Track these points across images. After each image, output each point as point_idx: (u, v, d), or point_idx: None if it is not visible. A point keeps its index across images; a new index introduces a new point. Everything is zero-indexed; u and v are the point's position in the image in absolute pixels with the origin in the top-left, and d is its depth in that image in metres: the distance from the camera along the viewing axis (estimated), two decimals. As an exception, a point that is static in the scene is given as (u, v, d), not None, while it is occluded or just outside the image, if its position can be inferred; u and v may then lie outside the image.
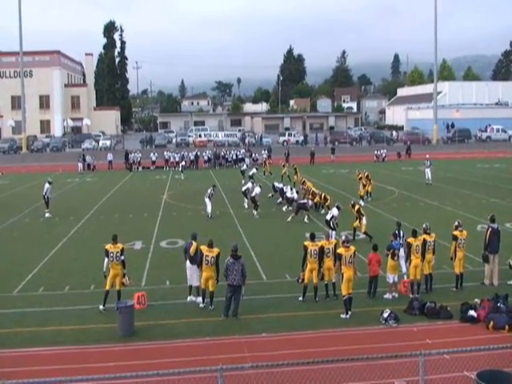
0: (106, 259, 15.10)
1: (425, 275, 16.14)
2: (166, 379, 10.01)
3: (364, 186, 31.40)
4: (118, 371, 10.47)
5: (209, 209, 27.76)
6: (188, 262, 15.77)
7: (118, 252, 15.06)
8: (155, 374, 8.46)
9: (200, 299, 15.33)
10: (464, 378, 10.40)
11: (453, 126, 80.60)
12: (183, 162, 49.82)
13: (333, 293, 15.66)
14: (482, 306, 14.19)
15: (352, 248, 14.89)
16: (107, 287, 15.08)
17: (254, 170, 37.96)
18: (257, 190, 28.51)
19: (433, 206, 29.74)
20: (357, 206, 22.77)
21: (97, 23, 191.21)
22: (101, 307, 15.08)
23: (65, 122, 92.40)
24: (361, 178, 31.67)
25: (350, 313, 14.53)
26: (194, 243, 15.75)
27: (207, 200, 27.78)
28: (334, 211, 22.07)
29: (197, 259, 15.44)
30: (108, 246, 15.20)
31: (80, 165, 52.40)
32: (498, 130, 77.07)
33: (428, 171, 38.31)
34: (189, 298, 15.70)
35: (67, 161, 59.93)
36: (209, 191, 28.05)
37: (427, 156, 40.56)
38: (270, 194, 32.14)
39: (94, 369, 11.24)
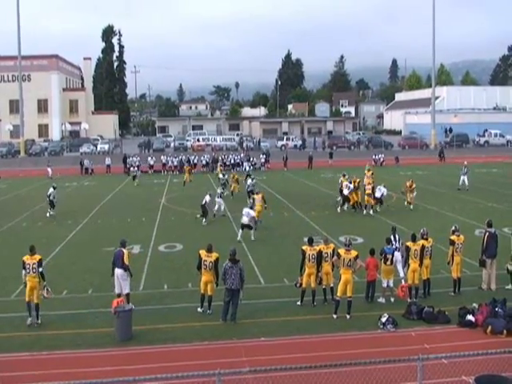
0: (24, 271, 14.50)
1: (423, 280, 16.18)
2: (164, 383, 10.01)
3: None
4: (116, 376, 10.46)
5: (222, 207, 28.89)
6: (120, 270, 15.32)
7: (34, 263, 14.44)
8: (153, 378, 8.46)
9: (132, 306, 14.61)
10: (462, 382, 10.41)
11: (451, 130, 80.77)
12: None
13: (331, 297, 15.65)
14: (480, 310, 14.19)
15: (353, 252, 14.89)
16: (27, 299, 14.50)
17: (221, 176, 37.80)
18: (206, 198, 27.51)
19: (431, 210, 29.79)
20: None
21: (95, 27, 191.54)
22: (28, 320, 14.48)
23: (63, 126, 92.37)
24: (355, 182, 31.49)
25: (349, 316, 14.62)
26: (125, 250, 15.59)
27: (219, 199, 28.78)
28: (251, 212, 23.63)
29: (128, 267, 15.33)
30: (25, 258, 14.58)
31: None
32: (495, 135, 77.27)
33: (465, 179, 37.51)
34: (133, 306, 14.35)
35: (65, 165, 59.92)
36: (219, 191, 29.83)
37: (465, 163, 38.97)
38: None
39: (91, 373, 11.21)
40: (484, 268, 16.83)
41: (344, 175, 31.90)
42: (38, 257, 14.70)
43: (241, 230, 23.46)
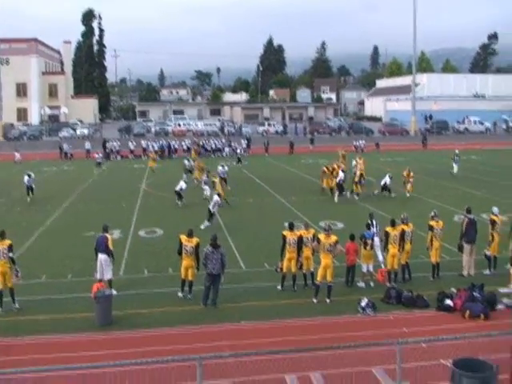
0: None
1: (402, 265, 16.33)
2: (144, 368, 9.99)
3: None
4: (96, 360, 10.45)
5: (208, 192, 28.51)
6: (103, 255, 15.32)
7: (4, 249, 14.29)
8: (133, 362, 8.44)
9: (114, 291, 14.90)
10: (440, 365, 10.53)
11: (431, 117, 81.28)
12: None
13: (311, 282, 15.73)
14: (459, 295, 14.36)
15: (333, 237, 14.96)
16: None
17: (186, 162, 37.80)
18: (182, 184, 28.03)
19: (411, 196, 29.96)
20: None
21: (75, 11, 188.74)
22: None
23: (42, 110, 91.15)
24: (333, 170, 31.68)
25: (329, 300, 14.74)
26: (108, 235, 15.64)
27: (205, 186, 28.90)
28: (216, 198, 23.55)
29: (112, 252, 15.44)
30: None
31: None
32: (475, 122, 77.90)
33: (455, 166, 37.68)
34: (114, 292, 14.89)
35: (44, 149, 59.28)
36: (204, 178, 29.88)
37: (456, 151, 38.77)
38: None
39: (72, 358, 11.17)
40: (462, 253, 17.04)
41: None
42: (7, 242, 14.48)
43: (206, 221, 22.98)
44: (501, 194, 30.02)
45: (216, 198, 23.60)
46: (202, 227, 21.96)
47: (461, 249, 17.06)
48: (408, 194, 29.97)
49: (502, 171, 40.46)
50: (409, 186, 30.18)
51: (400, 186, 30.45)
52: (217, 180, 29.08)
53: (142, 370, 9.93)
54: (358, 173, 31.12)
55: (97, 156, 46.55)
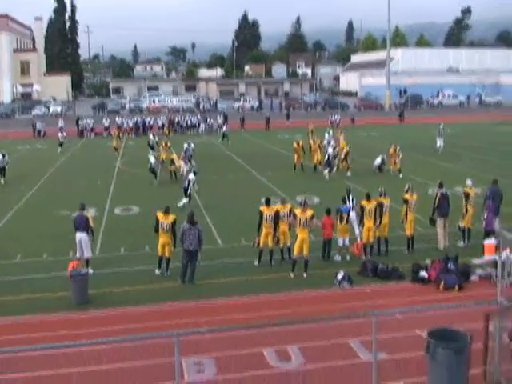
0: None
1: (378, 238, 16.46)
2: (122, 346, 9.99)
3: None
4: (73, 339, 10.40)
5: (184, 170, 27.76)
6: (82, 233, 15.19)
7: None
8: (111, 340, 8.43)
9: (91, 270, 14.88)
10: (415, 336, 10.70)
11: (405, 91, 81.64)
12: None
13: (288, 257, 15.80)
14: (433, 266, 14.55)
15: (309, 212, 14.99)
16: None
17: (151, 137, 37.29)
18: (151, 160, 28.04)
19: (387, 171, 30.09)
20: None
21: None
22: None
23: (14, 87, 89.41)
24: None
25: (305, 274, 14.83)
26: (87, 214, 15.63)
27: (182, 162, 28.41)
28: (191, 176, 22.91)
29: (93, 230, 15.54)
30: None
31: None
32: (449, 96, 78.46)
33: (440, 141, 36.62)
34: (91, 271, 14.81)
35: (17, 127, 58.28)
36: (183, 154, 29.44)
37: (441, 125, 37.62)
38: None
39: (48, 337, 11.10)
40: (434, 226, 17.23)
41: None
42: None
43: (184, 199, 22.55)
44: (476, 167, 30.37)
45: (192, 176, 23.29)
46: (180, 205, 21.68)
47: (432, 222, 17.27)
48: (399, 173, 28.31)
49: (476, 145, 40.89)
50: (398, 163, 28.93)
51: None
52: (174, 156, 29.09)
53: (119, 347, 9.93)
54: (345, 149, 30.44)
55: (60, 135, 42.81)
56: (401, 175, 28.12)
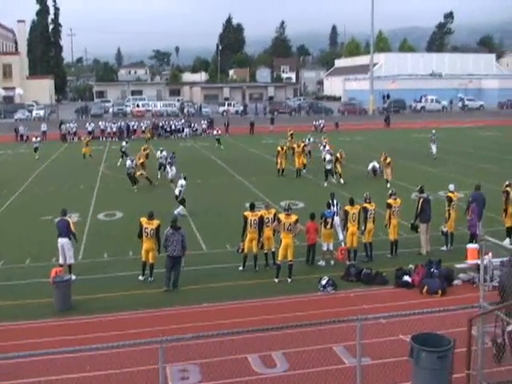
0: None
1: (365, 243, 16.50)
2: (105, 353, 9.91)
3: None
4: (56, 346, 10.28)
5: (172, 174, 27.84)
6: (64, 239, 15.07)
7: None
8: (93, 348, 8.34)
9: (73, 276, 14.76)
10: (399, 341, 10.74)
11: (388, 96, 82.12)
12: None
13: (272, 262, 15.80)
14: (416, 271, 14.63)
15: (293, 217, 15.02)
16: None
17: (124, 144, 36.66)
18: (128, 163, 27.73)
19: (370, 175, 30.23)
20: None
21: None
22: None
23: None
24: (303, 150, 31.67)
25: (290, 280, 14.85)
26: (69, 219, 15.47)
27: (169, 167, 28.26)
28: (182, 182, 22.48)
29: (76, 235, 15.37)
30: None
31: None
32: (432, 101, 79.05)
33: (434, 147, 36.45)
34: (74, 277, 14.72)
35: (-1, 132, 57.81)
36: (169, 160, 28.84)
37: (433, 132, 37.58)
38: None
39: (31, 345, 10.97)
40: (417, 232, 17.30)
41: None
42: None
43: (181, 206, 22.18)
44: (459, 171, 30.62)
45: (182, 181, 22.57)
46: (180, 213, 21.32)
47: (414, 228, 17.35)
48: (388, 183, 26.29)
49: (459, 150, 41.24)
50: (387, 171, 27.42)
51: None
52: (140, 161, 28.91)
53: (102, 354, 9.85)
54: (339, 154, 29.47)
55: (34, 140, 41.55)
56: (388, 185, 28.03)
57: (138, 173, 28.20)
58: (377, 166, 29.85)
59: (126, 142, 37.32)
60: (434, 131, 37.89)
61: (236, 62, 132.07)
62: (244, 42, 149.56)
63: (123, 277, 15.39)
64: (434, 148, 36.69)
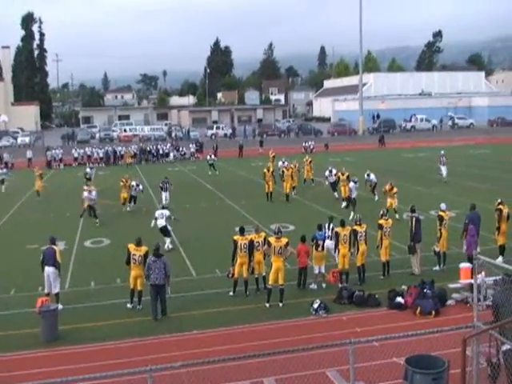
0: None
1: (358, 267, 16.25)
2: (95, 383, 9.63)
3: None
4: (42, 378, 9.99)
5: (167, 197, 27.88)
6: (51, 268, 14.73)
7: None
8: (81, 378, 8.11)
9: (60, 305, 14.41)
10: (393, 363, 10.53)
11: (378, 116, 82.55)
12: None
13: (263, 286, 15.57)
14: (409, 292, 14.47)
15: (283, 240, 14.86)
16: None
17: (88, 170, 36.04)
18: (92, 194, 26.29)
19: (360, 196, 30.12)
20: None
21: (14, 15, 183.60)
22: None
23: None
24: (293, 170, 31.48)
25: (281, 304, 14.62)
26: (56, 248, 15.12)
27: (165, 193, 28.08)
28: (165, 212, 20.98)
29: (60, 265, 14.92)
30: None
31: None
32: (421, 120, 79.44)
33: (444, 169, 34.36)
34: (60, 307, 14.37)
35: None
36: (160, 185, 28.55)
37: (442, 152, 35.51)
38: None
39: (17, 377, 10.74)
40: (412, 254, 17.04)
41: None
42: None
43: (165, 238, 20.51)
44: (452, 191, 30.49)
45: (166, 211, 21.04)
46: (169, 247, 20.41)
47: (411, 250, 16.96)
48: (397, 216, 23.35)
49: (450, 168, 41.23)
50: (392, 202, 24.42)
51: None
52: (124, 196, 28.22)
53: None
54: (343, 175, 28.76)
55: (0, 171, 39.04)
56: (376, 197, 28.06)
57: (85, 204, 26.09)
58: (374, 179, 28.92)
59: (91, 168, 36.99)
60: (442, 151, 35.87)
61: (224, 85, 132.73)
62: (232, 64, 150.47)
63: (111, 305, 15.10)
64: (444, 170, 34.53)
